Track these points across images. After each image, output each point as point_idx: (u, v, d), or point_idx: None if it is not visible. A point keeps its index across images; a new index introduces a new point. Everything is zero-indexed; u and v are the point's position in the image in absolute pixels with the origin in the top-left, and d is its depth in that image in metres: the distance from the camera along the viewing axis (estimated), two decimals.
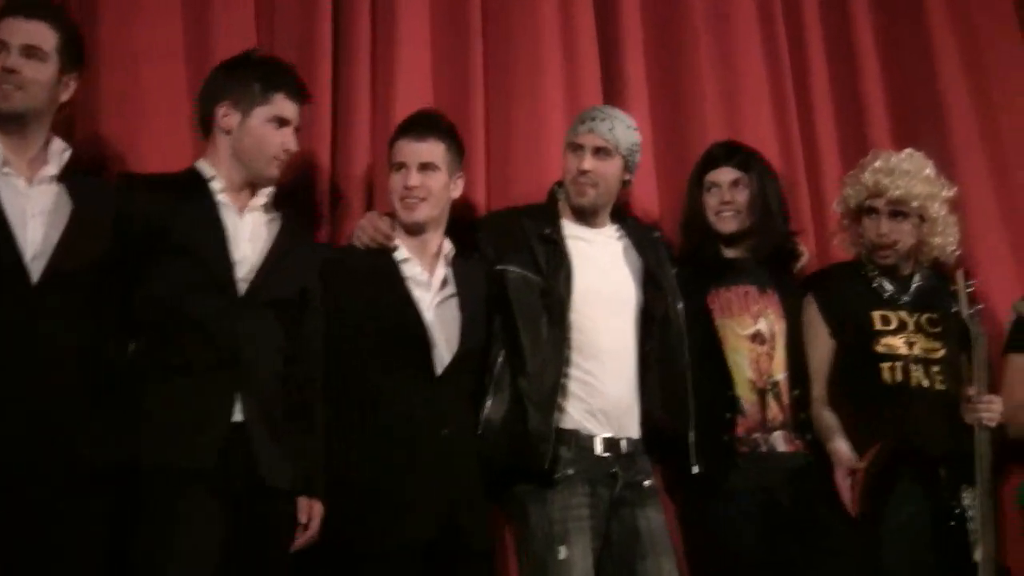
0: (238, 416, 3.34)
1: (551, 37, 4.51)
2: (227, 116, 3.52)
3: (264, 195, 3.58)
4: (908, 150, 4.29)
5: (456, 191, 3.84)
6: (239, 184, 3.55)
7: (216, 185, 3.51)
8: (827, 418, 4.05)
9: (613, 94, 4.56)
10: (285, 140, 3.56)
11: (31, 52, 3.27)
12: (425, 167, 3.74)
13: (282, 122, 3.56)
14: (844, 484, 3.89)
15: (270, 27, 4.17)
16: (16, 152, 3.28)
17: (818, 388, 4.11)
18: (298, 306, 3.55)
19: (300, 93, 3.64)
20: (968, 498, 3.90)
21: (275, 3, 4.20)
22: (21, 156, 3.29)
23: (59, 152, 3.36)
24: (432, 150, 3.75)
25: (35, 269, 3.18)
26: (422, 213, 3.74)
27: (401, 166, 3.76)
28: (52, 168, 3.33)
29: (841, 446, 3.96)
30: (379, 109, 4.21)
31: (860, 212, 4.23)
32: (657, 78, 4.73)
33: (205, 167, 3.55)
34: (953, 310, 4.09)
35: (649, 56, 4.72)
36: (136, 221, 3.39)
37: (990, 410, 3.93)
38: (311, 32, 4.16)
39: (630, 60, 4.64)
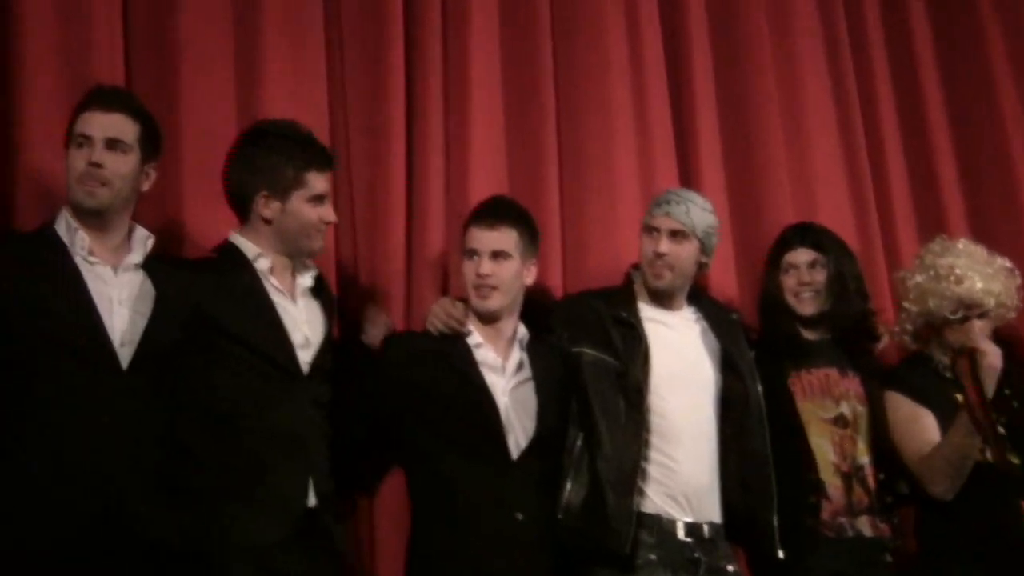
0: (312, 501, 3.39)
1: (625, 118, 4.51)
2: (267, 207, 3.54)
3: (309, 276, 3.62)
4: (973, 247, 4.27)
5: (529, 278, 3.83)
6: (283, 264, 3.59)
7: (263, 264, 3.53)
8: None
9: (688, 175, 4.57)
10: (323, 214, 3.60)
11: (114, 145, 3.30)
12: (497, 255, 3.73)
13: (319, 198, 3.58)
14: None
15: (344, 110, 4.18)
16: (101, 241, 3.32)
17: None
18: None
19: (329, 161, 3.65)
20: None
21: (347, 86, 4.21)
22: (106, 245, 3.33)
23: (143, 240, 3.40)
24: (504, 238, 3.74)
25: (123, 355, 3.22)
26: (494, 302, 3.74)
27: (473, 253, 3.75)
28: (136, 256, 3.37)
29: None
30: (453, 190, 4.21)
31: (946, 320, 4.18)
32: (732, 159, 4.73)
33: (247, 245, 3.57)
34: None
35: (724, 136, 4.73)
36: (191, 308, 3.42)
37: None
38: (385, 115, 4.17)
39: (704, 141, 4.64)
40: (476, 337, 3.75)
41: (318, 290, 3.65)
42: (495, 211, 3.80)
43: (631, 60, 4.59)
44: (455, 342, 3.74)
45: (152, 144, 3.39)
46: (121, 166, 3.30)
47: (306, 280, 3.61)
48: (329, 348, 3.58)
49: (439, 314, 3.78)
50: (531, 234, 3.82)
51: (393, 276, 4.07)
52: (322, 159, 3.61)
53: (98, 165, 3.27)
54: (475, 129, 4.27)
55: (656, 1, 4.69)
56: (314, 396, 3.49)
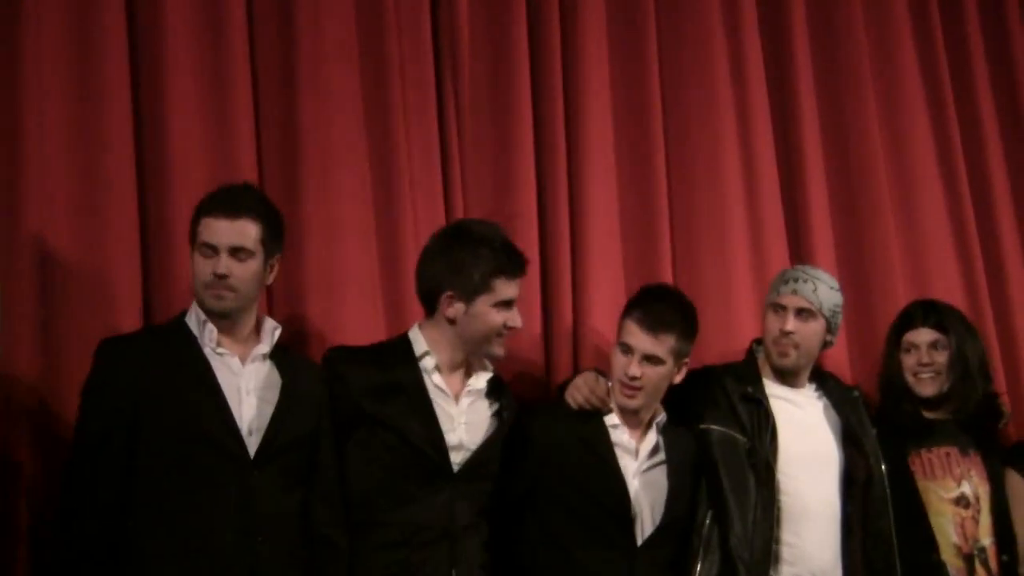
0: None
1: (736, 190, 4.53)
2: (452, 307, 3.53)
3: (483, 379, 3.60)
4: None
5: (679, 377, 3.76)
6: (458, 363, 3.58)
7: (428, 363, 3.54)
8: None
9: (799, 251, 4.56)
10: (509, 319, 3.57)
11: (238, 252, 3.30)
12: (650, 359, 3.66)
13: (506, 304, 3.56)
14: None
15: (464, 199, 4.20)
16: (230, 333, 3.35)
17: None
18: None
19: (521, 268, 3.63)
20: None
21: (468, 174, 4.23)
22: (235, 336, 3.36)
23: (270, 331, 3.42)
24: (661, 346, 3.66)
25: (251, 444, 3.25)
26: (637, 402, 3.69)
27: (628, 350, 3.68)
28: (264, 346, 3.39)
29: None
30: (578, 279, 4.26)
31: None
32: (841, 230, 4.72)
33: (420, 340, 3.58)
34: None
35: (833, 208, 4.72)
36: (344, 398, 3.45)
37: None
38: (512, 202, 4.21)
39: (815, 213, 4.63)
40: (614, 417, 3.71)
41: (494, 393, 3.63)
42: (659, 314, 3.69)
43: (740, 133, 4.59)
44: (592, 419, 3.70)
45: (275, 240, 3.40)
46: (245, 271, 3.31)
47: (478, 382, 3.59)
48: (491, 450, 3.54)
49: (582, 389, 3.73)
50: (689, 338, 3.74)
51: (531, 344, 4.11)
52: (514, 265, 3.58)
53: (224, 276, 3.28)
54: (593, 219, 4.30)
55: (764, 76, 4.70)
56: (465, 494, 3.47)
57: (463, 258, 3.52)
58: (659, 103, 4.50)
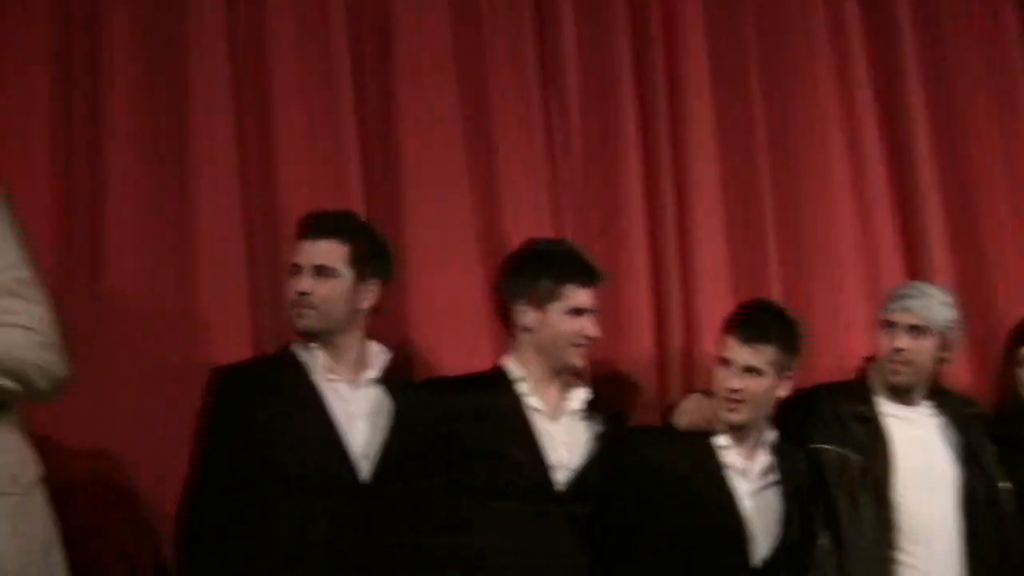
0: None
1: (846, 216, 4.47)
2: (525, 315, 3.56)
3: (579, 397, 3.60)
4: None
5: (783, 390, 3.71)
6: (547, 378, 3.58)
7: (524, 386, 3.55)
8: None
9: (915, 267, 4.49)
10: (583, 327, 3.57)
11: (320, 271, 3.38)
12: (751, 371, 3.63)
13: (578, 311, 3.57)
14: None
15: (571, 222, 4.21)
16: (338, 359, 3.41)
17: None
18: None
19: (592, 278, 3.63)
20: None
21: (574, 196, 4.23)
22: (343, 362, 3.42)
23: (378, 355, 3.47)
24: (760, 356, 3.64)
25: (363, 468, 3.30)
26: (741, 416, 3.64)
27: (727, 363, 3.67)
28: (372, 372, 3.45)
29: None
30: (688, 283, 4.25)
31: None
32: (959, 249, 4.61)
33: (512, 367, 3.59)
34: None
35: (949, 225, 4.61)
36: (444, 423, 3.45)
37: None
38: (620, 223, 4.21)
39: (931, 228, 4.54)
40: (723, 438, 3.68)
41: (593, 412, 3.63)
42: (756, 326, 3.68)
43: (848, 148, 4.53)
44: (701, 440, 3.67)
45: (369, 263, 3.45)
46: (328, 290, 3.38)
47: (575, 401, 3.60)
48: (593, 470, 3.54)
49: (689, 410, 3.74)
50: (791, 349, 3.70)
51: (643, 366, 4.12)
52: (584, 274, 3.59)
53: (304, 293, 3.36)
54: (701, 240, 4.28)
55: (872, 87, 4.62)
56: (569, 515, 3.47)
57: (533, 268, 3.57)
58: (764, 122, 4.46)
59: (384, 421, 3.38)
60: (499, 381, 3.57)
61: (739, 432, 3.66)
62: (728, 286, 4.27)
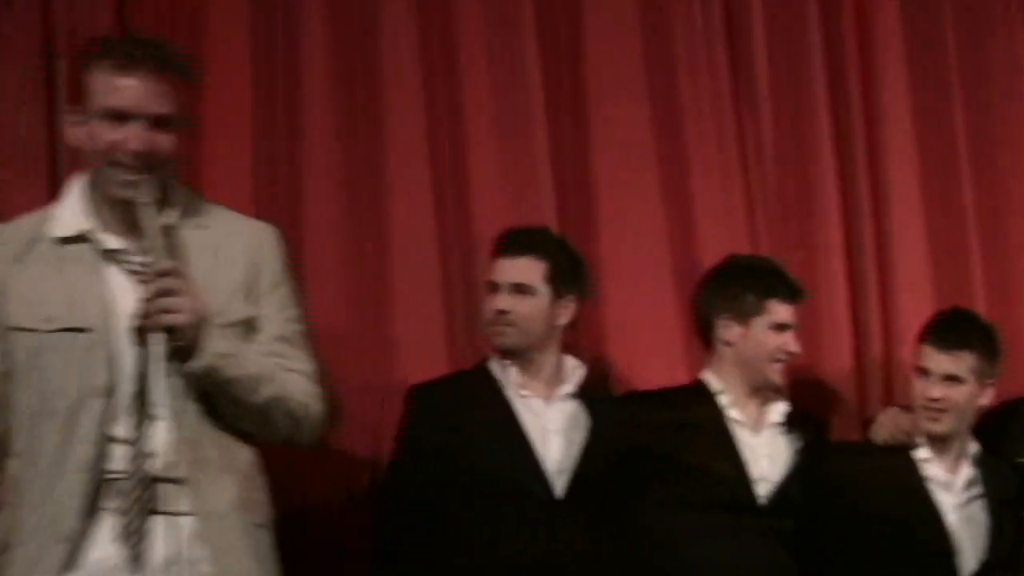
0: None
1: None
2: (727, 329, 3.56)
3: (779, 411, 3.58)
4: None
5: (984, 399, 3.63)
6: (747, 392, 3.58)
7: (724, 399, 3.55)
8: None
9: None
10: (785, 343, 3.57)
11: (518, 289, 3.40)
12: (951, 379, 3.57)
13: (781, 327, 3.56)
14: None
15: (767, 234, 4.17)
16: (531, 375, 3.44)
17: None
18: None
19: (795, 294, 3.63)
20: None
21: (770, 208, 4.20)
22: (537, 378, 3.44)
23: (573, 370, 3.49)
24: (959, 364, 3.58)
25: (558, 484, 3.32)
26: (943, 426, 3.58)
27: (926, 372, 3.61)
28: (569, 387, 3.46)
29: None
30: (886, 294, 4.18)
31: None
32: None
33: (712, 380, 3.60)
34: None
35: None
36: (644, 437, 3.48)
37: None
38: (817, 234, 4.17)
39: None
40: (924, 451, 3.62)
41: (794, 426, 3.62)
42: (954, 333, 3.62)
43: None
44: (901, 455, 3.62)
45: (567, 280, 3.47)
46: (527, 308, 3.40)
47: (776, 414, 3.59)
48: (794, 483, 3.53)
49: (887, 424, 3.69)
50: (991, 356, 3.63)
51: (842, 378, 4.07)
52: (786, 289, 3.61)
53: (502, 311, 3.39)
54: (901, 249, 4.20)
55: None
56: (773, 528, 3.46)
57: (737, 284, 3.57)
58: (964, 126, 4.34)
59: (580, 436, 3.39)
60: (699, 394, 3.58)
61: (941, 444, 3.60)
62: (929, 295, 4.18)
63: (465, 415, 3.36)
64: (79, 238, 2.60)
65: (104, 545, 2.47)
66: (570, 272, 3.49)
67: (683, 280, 4.00)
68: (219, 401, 2.56)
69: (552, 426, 3.39)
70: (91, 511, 2.48)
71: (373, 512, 3.45)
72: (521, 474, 3.30)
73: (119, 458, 2.50)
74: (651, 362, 3.91)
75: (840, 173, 4.23)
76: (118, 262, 2.60)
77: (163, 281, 2.47)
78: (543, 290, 3.42)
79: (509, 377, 3.42)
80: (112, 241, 2.60)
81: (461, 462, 3.31)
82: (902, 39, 4.33)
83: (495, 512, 3.27)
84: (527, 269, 3.42)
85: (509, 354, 3.43)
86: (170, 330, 2.46)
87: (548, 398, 3.43)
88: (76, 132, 2.61)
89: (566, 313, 3.48)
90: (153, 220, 2.52)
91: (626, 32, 4.09)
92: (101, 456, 2.49)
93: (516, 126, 3.91)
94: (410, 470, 3.36)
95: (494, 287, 3.43)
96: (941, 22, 4.37)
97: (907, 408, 3.71)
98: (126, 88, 2.54)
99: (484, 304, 3.45)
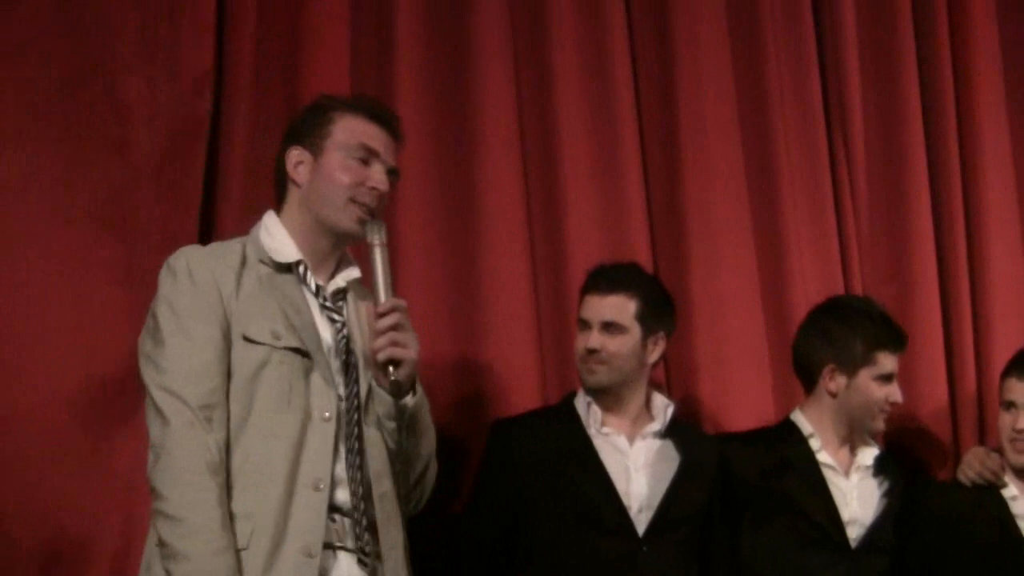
0: None
1: None
2: (833, 380, 3.56)
3: (870, 456, 3.59)
4: None
5: None
6: (841, 439, 3.59)
7: (815, 443, 3.55)
8: None
9: None
10: (891, 394, 3.57)
11: (609, 327, 3.38)
12: None
13: (888, 377, 3.56)
14: None
15: (860, 269, 4.17)
16: (616, 412, 3.42)
17: None
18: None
19: (902, 342, 3.63)
20: None
21: (863, 242, 4.20)
22: (622, 416, 3.43)
23: (663, 408, 3.47)
24: None
25: (641, 521, 3.29)
26: None
27: (1012, 406, 3.62)
28: (656, 424, 3.44)
29: None
30: (981, 346, 4.16)
31: None
32: None
33: (803, 422, 3.60)
34: None
35: None
36: (737, 478, 3.49)
37: None
38: (911, 269, 4.17)
39: None
40: (1012, 489, 3.62)
41: (883, 470, 3.62)
42: None
43: None
44: (990, 493, 3.62)
45: (656, 317, 3.44)
46: (618, 346, 3.38)
47: (866, 459, 3.59)
48: (885, 525, 3.54)
49: (973, 464, 3.67)
50: None
51: (936, 414, 4.07)
52: (895, 339, 3.60)
53: (595, 351, 3.37)
54: (995, 284, 4.22)
55: None
56: (864, 570, 3.46)
57: (843, 331, 3.54)
58: None
59: (669, 473, 3.36)
60: (791, 435, 3.59)
61: None
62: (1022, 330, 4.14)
63: (546, 451, 3.34)
64: (288, 267, 2.76)
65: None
66: (660, 309, 3.47)
67: (774, 314, 4.00)
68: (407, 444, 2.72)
69: (636, 463, 3.37)
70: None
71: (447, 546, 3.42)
72: (601, 512, 3.28)
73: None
74: (741, 397, 3.90)
75: (934, 209, 4.22)
76: (316, 296, 2.76)
77: (395, 316, 2.63)
78: (634, 328, 3.39)
79: (591, 415, 3.40)
80: (317, 276, 2.78)
81: (542, 499, 3.29)
82: (1000, 75, 4.34)
83: (578, 550, 3.25)
84: (618, 307, 3.39)
85: (599, 392, 3.41)
86: (395, 363, 2.63)
87: (633, 435, 3.41)
88: (299, 169, 2.80)
89: (656, 350, 3.46)
90: (386, 259, 2.70)
91: (717, 64, 4.08)
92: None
93: (609, 161, 3.90)
94: (488, 505, 3.35)
95: (585, 325, 3.41)
96: None
97: (992, 447, 3.71)
98: (378, 134, 2.81)
99: (575, 342, 3.44)
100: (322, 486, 2.60)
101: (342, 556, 2.64)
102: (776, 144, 4.08)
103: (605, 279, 3.43)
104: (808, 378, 3.62)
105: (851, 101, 4.23)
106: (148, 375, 2.60)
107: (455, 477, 3.46)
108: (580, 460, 3.34)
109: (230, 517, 2.53)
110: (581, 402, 3.43)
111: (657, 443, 3.42)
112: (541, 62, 3.89)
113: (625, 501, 3.30)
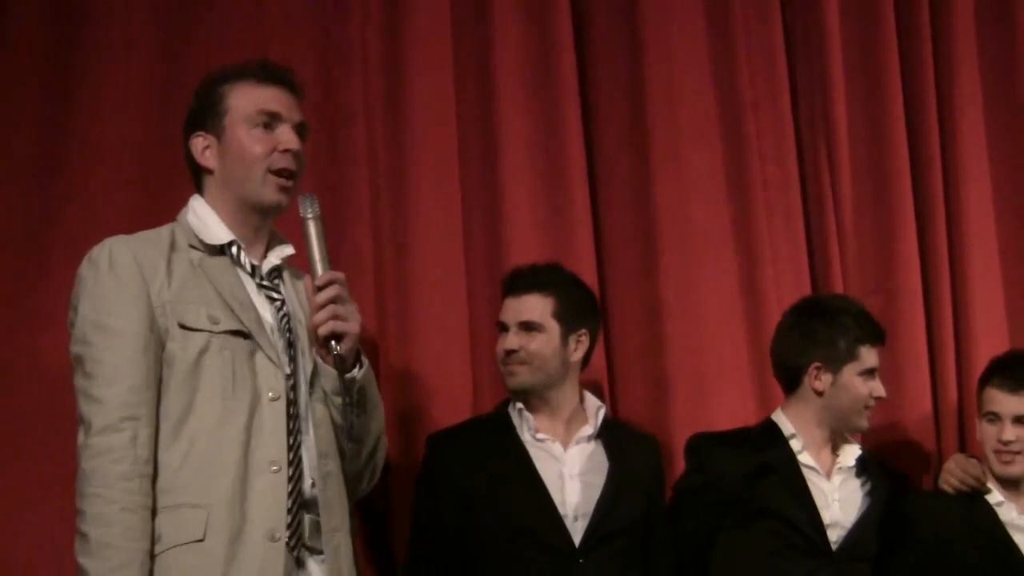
0: None
1: None
2: (819, 378, 3.51)
3: (852, 456, 3.54)
4: None
5: None
6: (825, 438, 3.54)
7: (796, 444, 3.50)
8: None
9: None
10: (874, 389, 3.53)
11: (527, 327, 3.34)
12: (1020, 420, 3.55)
13: (871, 372, 3.52)
14: None
15: (843, 279, 4.12)
16: (548, 416, 3.37)
17: None
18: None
19: (881, 337, 3.59)
20: None
21: (844, 252, 4.16)
22: (555, 419, 3.37)
23: (595, 411, 3.41)
24: None
25: (576, 531, 3.22)
26: (1018, 468, 3.58)
27: (995, 417, 3.59)
28: (589, 428, 3.38)
29: None
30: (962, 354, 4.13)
31: None
32: None
33: (785, 422, 3.55)
34: None
35: None
36: (716, 482, 3.45)
37: None
38: (894, 277, 4.14)
39: None
40: (997, 495, 3.57)
41: (865, 471, 3.56)
42: (1021, 373, 3.61)
43: None
44: (975, 500, 3.57)
45: (574, 314, 3.39)
46: (538, 346, 3.34)
47: (848, 459, 3.54)
48: (867, 529, 3.47)
49: (955, 472, 3.63)
50: None
51: (920, 422, 4.05)
52: (875, 334, 3.58)
53: (512, 351, 3.34)
54: (977, 292, 4.18)
55: None
56: (846, 574, 3.40)
57: (826, 329, 3.51)
58: None
59: (601, 480, 3.29)
60: (771, 436, 3.54)
61: (1015, 487, 3.58)
62: (1005, 339, 4.12)
63: (481, 463, 3.28)
64: (221, 249, 2.71)
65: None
66: (580, 306, 3.42)
67: (752, 325, 3.96)
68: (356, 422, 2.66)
69: (571, 471, 3.30)
70: None
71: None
72: (537, 523, 3.21)
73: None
74: (717, 404, 3.86)
75: (918, 219, 4.19)
76: (252, 276, 2.71)
77: (334, 289, 2.59)
78: (552, 326, 3.35)
79: (526, 420, 3.34)
80: (250, 256, 2.73)
81: (479, 510, 3.23)
82: (980, 87, 4.31)
83: (516, 562, 3.19)
84: (534, 306, 3.35)
85: (524, 394, 3.36)
86: (337, 337, 2.58)
87: (567, 441, 3.34)
88: (207, 154, 2.73)
89: (580, 349, 3.40)
90: (320, 232, 2.63)
91: (695, 76, 4.06)
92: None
93: (552, 168, 3.87)
94: (429, 520, 3.29)
95: (503, 327, 3.39)
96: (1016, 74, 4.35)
97: (973, 455, 3.67)
98: (275, 95, 2.72)
99: (497, 346, 3.40)
100: (276, 467, 2.55)
101: None
102: (749, 153, 4.05)
103: (521, 280, 3.40)
104: (791, 379, 3.57)
105: (835, 111, 4.19)
106: (76, 379, 2.58)
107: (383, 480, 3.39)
108: (514, 470, 3.28)
109: (176, 511, 2.49)
110: (514, 409, 3.38)
111: (590, 448, 3.36)
112: (484, 66, 3.87)
113: (561, 510, 3.24)
